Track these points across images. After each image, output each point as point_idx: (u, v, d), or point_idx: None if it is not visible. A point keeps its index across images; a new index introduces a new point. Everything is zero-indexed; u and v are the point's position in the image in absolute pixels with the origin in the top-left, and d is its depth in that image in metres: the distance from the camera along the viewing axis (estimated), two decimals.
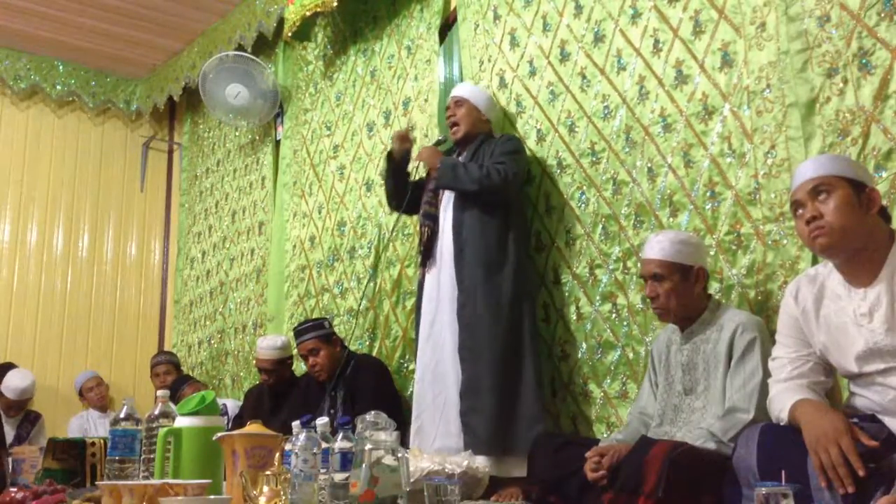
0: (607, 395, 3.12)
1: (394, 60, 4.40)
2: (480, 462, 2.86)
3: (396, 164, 3.58)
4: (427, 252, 3.36)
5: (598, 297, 3.19)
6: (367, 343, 4.23)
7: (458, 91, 3.50)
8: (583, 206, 3.27)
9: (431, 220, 3.37)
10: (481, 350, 3.07)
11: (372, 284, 4.24)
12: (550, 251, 3.39)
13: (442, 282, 3.27)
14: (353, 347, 4.13)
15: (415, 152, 3.63)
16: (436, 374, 3.22)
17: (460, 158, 3.39)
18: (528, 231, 3.43)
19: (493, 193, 3.18)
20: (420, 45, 4.21)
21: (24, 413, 5.33)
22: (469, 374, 3.08)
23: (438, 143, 3.56)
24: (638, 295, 3.03)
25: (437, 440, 3.14)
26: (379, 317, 4.19)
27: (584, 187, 3.28)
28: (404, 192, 3.56)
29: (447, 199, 3.35)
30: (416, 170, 3.61)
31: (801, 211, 1.96)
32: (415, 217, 3.92)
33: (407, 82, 4.27)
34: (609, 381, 3.12)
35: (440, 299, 3.26)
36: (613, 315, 3.13)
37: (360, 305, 4.23)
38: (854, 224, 1.89)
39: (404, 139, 3.59)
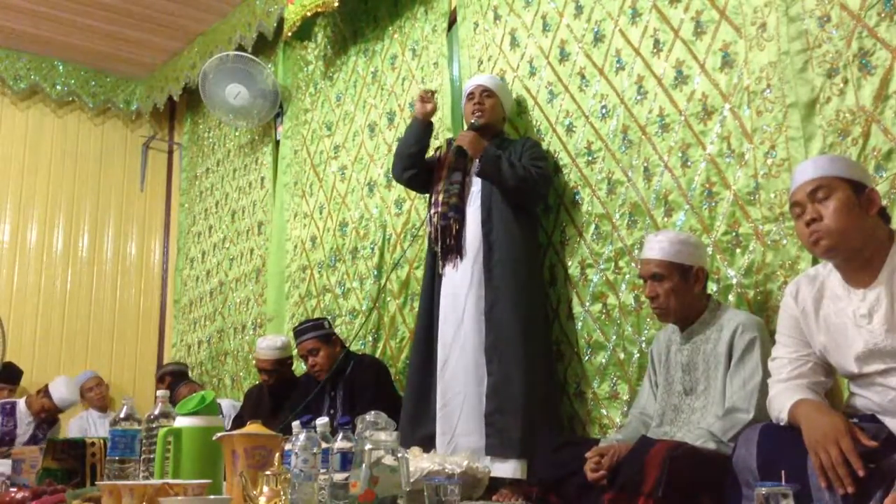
0: (597, 396, 3.12)
1: (397, 62, 4.39)
2: (510, 465, 2.88)
3: (421, 125, 3.47)
4: (453, 247, 3.22)
5: (588, 298, 3.19)
6: (371, 343, 4.23)
7: (488, 82, 3.41)
8: (576, 205, 3.28)
9: (459, 214, 3.23)
10: (510, 351, 3.00)
11: (376, 285, 4.23)
12: (548, 252, 3.39)
13: (466, 279, 3.16)
14: (355, 348, 4.13)
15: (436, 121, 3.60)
16: (456, 372, 3.12)
17: None
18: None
19: (527, 193, 3.16)
20: (426, 47, 4.20)
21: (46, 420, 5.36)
22: (497, 375, 3.00)
23: (472, 126, 3.36)
24: (630, 295, 3.03)
25: (458, 438, 3.06)
26: (384, 317, 4.19)
27: (579, 187, 3.28)
28: (419, 161, 3.45)
29: (474, 193, 3.27)
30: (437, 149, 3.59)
31: (800, 212, 1.96)
32: (422, 218, 3.92)
33: (413, 84, 4.26)
34: (598, 381, 3.12)
35: (466, 296, 3.15)
36: (603, 315, 3.13)
37: (363, 306, 4.23)
38: (854, 226, 1.89)
39: (427, 100, 3.49)
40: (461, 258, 3.20)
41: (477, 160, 3.25)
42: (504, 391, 2.97)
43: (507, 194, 3.15)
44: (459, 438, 3.05)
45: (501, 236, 3.13)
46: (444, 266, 3.25)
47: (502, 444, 2.92)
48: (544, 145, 3.43)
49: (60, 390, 5.22)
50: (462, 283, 3.17)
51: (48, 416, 5.25)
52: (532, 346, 3.02)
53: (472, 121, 3.36)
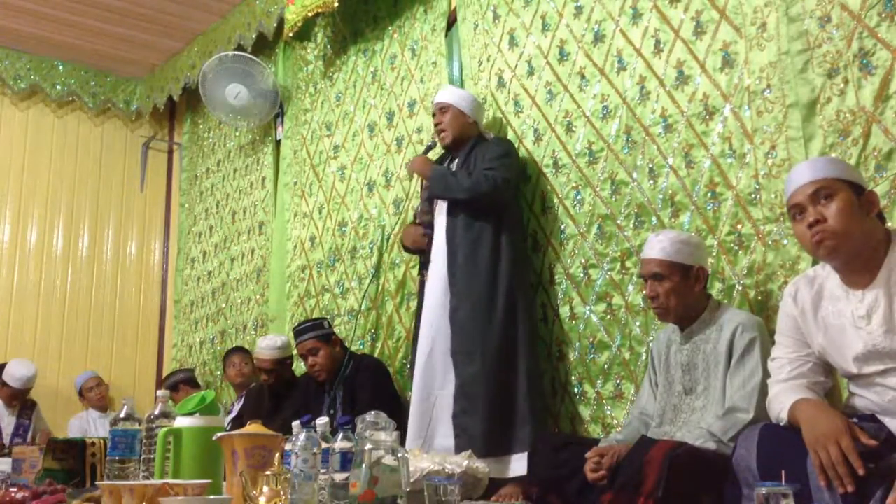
0: (601, 396, 3.12)
1: (396, 61, 4.39)
2: (480, 462, 2.87)
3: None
4: (428, 258, 3.40)
5: (592, 298, 3.19)
6: (369, 343, 4.23)
7: (442, 96, 3.50)
8: (578, 205, 3.28)
9: (430, 229, 3.41)
10: (474, 353, 3.10)
11: (374, 285, 4.23)
12: (546, 251, 3.39)
13: (436, 285, 3.30)
14: (354, 348, 4.13)
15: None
16: (426, 376, 3.24)
17: (453, 164, 3.42)
18: (524, 230, 3.41)
19: (483, 201, 3.20)
20: (425, 46, 4.20)
21: (21, 403, 5.38)
22: (463, 377, 3.11)
23: (428, 149, 3.58)
24: (639, 295, 3.03)
25: (430, 440, 3.14)
26: (381, 317, 4.19)
27: (580, 187, 3.28)
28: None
29: (441, 206, 3.37)
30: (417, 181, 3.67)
31: (801, 214, 1.95)
32: None
33: (412, 84, 4.26)
34: (602, 381, 3.12)
35: (437, 303, 3.28)
36: (608, 315, 3.13)
37: (361, 306, 4.23)
38: (856, 227, 1.89)
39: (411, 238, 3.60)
40: (435, 267, 3.33)
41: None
42: (468, 393, 3.08)
43: (466, 204, 3.23)
44: (432, 440, 3.15)
45: (464, 243, 3.22)
46: (425, 275, 3.41)
47: (468, 444, 2.97)
48: (542, 144, 3.43)
49: (12, 372, 5.27)
50: (434, 290, 3.31)
51: (17, 401, 5.30)
52: (495, 346, 3.08)
53: (431, 142, 3.58)
